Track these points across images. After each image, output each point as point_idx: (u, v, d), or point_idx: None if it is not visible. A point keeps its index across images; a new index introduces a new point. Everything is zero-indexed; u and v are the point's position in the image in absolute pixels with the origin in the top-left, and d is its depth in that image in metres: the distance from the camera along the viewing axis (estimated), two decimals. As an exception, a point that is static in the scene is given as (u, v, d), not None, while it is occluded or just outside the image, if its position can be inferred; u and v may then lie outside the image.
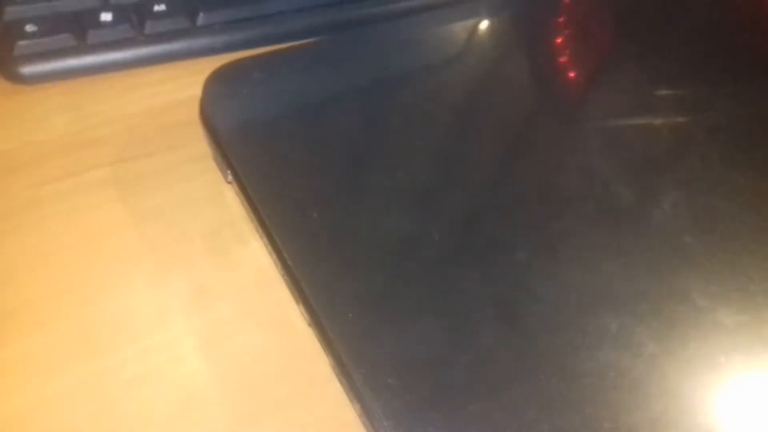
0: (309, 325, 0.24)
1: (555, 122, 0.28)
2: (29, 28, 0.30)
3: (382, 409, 0.21)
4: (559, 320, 0.23)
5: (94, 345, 0.24)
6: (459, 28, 0.32)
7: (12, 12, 0.31)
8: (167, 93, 0.32)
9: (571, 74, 0.30)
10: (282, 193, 0.26)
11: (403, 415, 0.21)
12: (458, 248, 0.24)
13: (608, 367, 0.22)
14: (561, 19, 0.32)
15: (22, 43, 0.30)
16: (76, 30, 0.31)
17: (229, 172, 0.27)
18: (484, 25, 0.32)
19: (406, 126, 0.28)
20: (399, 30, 0.32)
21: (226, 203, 0.28)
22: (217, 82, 0.28)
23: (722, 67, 0.31)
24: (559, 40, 0.31)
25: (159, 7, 0.32)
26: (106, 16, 0.31)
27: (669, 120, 0.28)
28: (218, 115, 0.27)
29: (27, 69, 0.30)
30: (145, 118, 0.31)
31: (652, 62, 0.30)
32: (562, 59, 0.30)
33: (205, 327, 0.25)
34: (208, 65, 0.32)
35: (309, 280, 0.24)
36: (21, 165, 0.28)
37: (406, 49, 0.31)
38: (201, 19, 0.33)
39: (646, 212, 0.25)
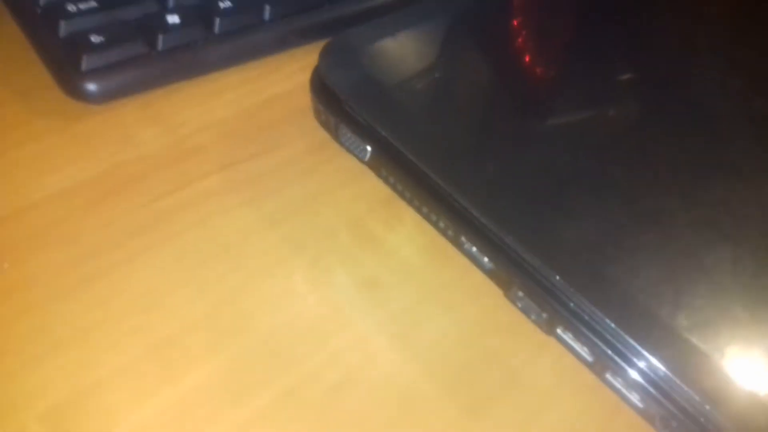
0: (515, 297, 0.22)
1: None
2: (95, 38, 0.27)
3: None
4: None
5: (280, 358, 0.21)
6: None
7: (70, 24, 0.27)
8: (252, 94, 0.29)
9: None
10: (441, 151, 0.23)
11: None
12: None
13: None
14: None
15: (88, 56, 0.27)
16: (146, 36, 0.28)
17: (368, 147, 0.24)
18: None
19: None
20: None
21: (357, 190, 0.26)
22: (334, 54, 0.25)
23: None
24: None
25: (225, 4, 0.29)
26: (174, 18, 0.28)
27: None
28: (344, 87, 0.25)
29: (99, 85, 0.27)
30: (238, 121, 0.28)
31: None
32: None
33: (389, 319, 0.23)
34: (281, 62, 0.31)
35: (510, 228, 0.21)
36: (121, 186, 0.25)
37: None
38: (267, 12, 0.30)
39: None
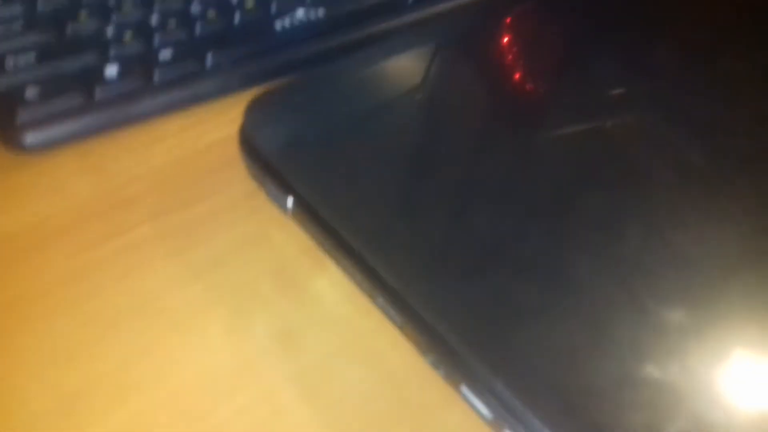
0: (418, 345, 0.22)
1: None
2: (29, 92, 0.28)
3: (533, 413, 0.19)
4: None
5: (187, 410, 0.22)
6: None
7: (7, 78, 0.28)
8: (190, 141, 0.29)
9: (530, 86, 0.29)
10: (356, 209, 0.24)
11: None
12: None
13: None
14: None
15: (24, 109, 0.27)
16: (81, 88, 0.28)
17: (290, 199, 0.24)
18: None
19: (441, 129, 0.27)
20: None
21: (284, 240, 0.26)
22: (258, 110, 0.26)
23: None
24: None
25: (165, 54, 0.30)
26: (111, 70, 0.29)
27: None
28: (268, 143, 0.25)
29: (33, 137, 0.28)
30: (174, 169, 0.28)
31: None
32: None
33: (301, 372, 0.23)
34: (222, 108, 0.31)
35: (413, 291, 0.21)
36: (51, 237, 0.26)
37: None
38: (210, 60, 0.31)
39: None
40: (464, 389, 0.21)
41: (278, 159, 0.25)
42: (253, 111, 0.26)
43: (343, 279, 0.25)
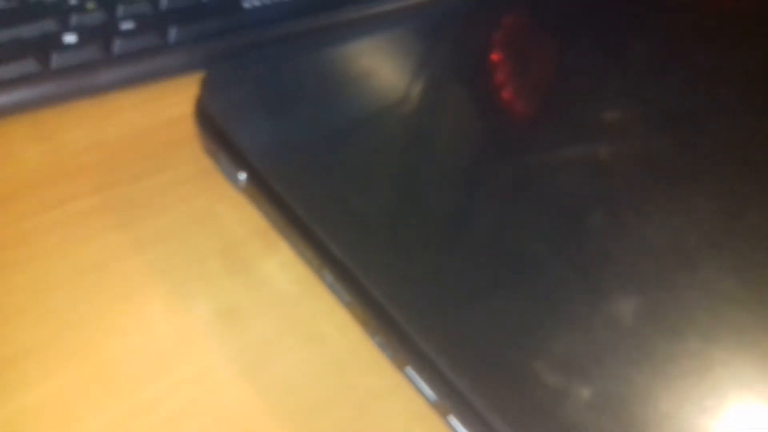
0: (366, 323, 0.21)
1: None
2: (-17, 56, 0.27)
3: (485, 401, 0.18)
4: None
5: (119, 385, 0.21)
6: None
7: (-38, 41, 0.27)
8: (148, 115, 0.29)
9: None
10: (308, 184, 0.23)
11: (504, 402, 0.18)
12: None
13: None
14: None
15: (-24, 74, 0.27)
16: (38, 54, 0.28)
17: (243, 174, 0.24)
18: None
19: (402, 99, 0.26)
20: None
21: (236, 219, 0.25)
22: (214, 83, 0.25)
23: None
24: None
25: (127, 26, 0.29)
26: (70, 38, 0.28)
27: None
28: (223, 116, 0.24)
29: (-15, 102, 0.27)
30: (126, 143, 0.28)
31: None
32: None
33: (243, 351, 0.22)
34: (186, 85, 0.30)
35: (367, 268, 0.21)
36: (-8, 203, 0.25)
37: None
38: (173, 35, 0.30)
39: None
40: (409, 370, 0.21)
41: (232, 132, 0.24)
42: (209, 83, 0.25)
43: (293, 260, 0.24)
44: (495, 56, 0.29)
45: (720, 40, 0.31)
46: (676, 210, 0.23)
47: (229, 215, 0.25)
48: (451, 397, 0.19)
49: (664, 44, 0.30)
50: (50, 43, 0.28)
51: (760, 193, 0.24)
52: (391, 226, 0.22)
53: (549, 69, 0.29)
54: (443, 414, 0.20)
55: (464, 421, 0.19)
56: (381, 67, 0.27)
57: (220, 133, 0.24)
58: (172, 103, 0.29)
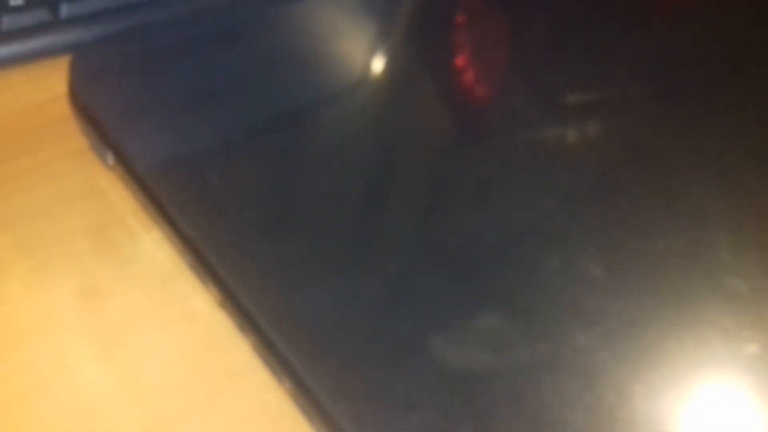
0: (222, 305, 0.21)
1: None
2: None
3: (319, 381, 0.18)
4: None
5: (-35, 362, 0.21)
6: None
7: None
8: (30, 93, 0.28)
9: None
10: (174, 165, 0.23)
11: (344, 384, 0.18)
12: (374, 200, 0.22)
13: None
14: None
15: None
16: None
17: (110, 154, 0.24)
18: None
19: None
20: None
21: (108, 199, 0.25)
22: (85, 60, 0.25)
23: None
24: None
25: (16, 1, 0.29)
26: (-47, 12, 0.28)
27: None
28: (92, 93, 0.24)
29: None
30: (5, 121, 0.27)
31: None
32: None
33: (98, 331, 0.22)
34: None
35: (219, 255, 0.21)
36: None
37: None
38: (64, 11, 0.29)
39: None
40: (260, 354, 0.21)
41: (98, 112, 0.24)
42: (77, 63, 0.25)
43: (163, 242, 0.24)
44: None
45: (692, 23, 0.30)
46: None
47: (103, 194, 0.25)
48: (287, 378, 0.19)
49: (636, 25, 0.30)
50: (-69, 16, 0.28)
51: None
52: (246, 206, 0.22)
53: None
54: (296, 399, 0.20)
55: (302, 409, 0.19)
56: (244, 50, 0.27)
57: (89, 111, 0.24)
58: (60, 82, 0.29)
